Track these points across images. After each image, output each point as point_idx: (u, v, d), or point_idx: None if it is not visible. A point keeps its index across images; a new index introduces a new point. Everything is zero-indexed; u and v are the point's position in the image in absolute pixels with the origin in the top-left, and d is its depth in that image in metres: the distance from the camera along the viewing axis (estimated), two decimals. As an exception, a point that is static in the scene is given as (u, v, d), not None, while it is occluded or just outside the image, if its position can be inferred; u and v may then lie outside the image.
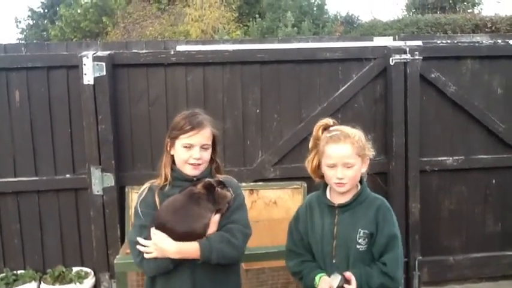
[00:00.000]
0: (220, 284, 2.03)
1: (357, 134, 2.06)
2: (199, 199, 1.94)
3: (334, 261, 2.03)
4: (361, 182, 2.10)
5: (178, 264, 1.94)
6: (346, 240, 2.02)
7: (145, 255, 1.93)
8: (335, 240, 2.03)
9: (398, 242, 2.02)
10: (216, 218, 1.98)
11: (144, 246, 1.93)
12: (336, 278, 1.95)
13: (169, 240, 1.91)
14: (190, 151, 2.01)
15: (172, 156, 2.07)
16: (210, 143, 2.06)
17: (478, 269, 4.10)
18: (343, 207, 2.05)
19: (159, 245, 1.90)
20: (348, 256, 2.01)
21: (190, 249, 1.91)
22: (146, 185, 2.10)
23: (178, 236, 1.91)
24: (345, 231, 2.02)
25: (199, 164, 2.03)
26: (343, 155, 2.00)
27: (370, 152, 2.09)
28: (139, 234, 1.97)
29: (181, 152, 2.02)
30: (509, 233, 4.17)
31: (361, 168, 2.06)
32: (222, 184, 2.01)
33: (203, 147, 2.03)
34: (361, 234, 2.00)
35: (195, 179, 2.04)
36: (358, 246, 2.00)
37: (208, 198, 1.95)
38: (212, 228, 1.97)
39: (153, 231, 1.93)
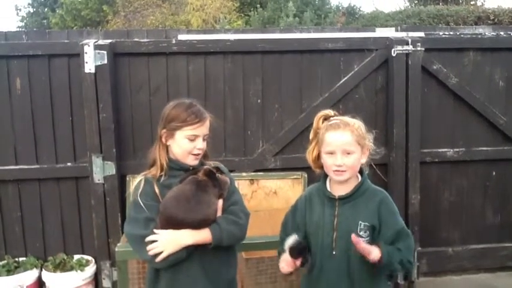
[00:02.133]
0: (225, 264, 2.10)
1: (356, 122, 2.06)
2: (206, 186, 1.98)
3: (334, 252, 2.03)
4: (361, 173, 2.11)
5: (191, 253, 1.97)
6: (347, 232, 2.00)
7: (159, 257, 1.92)
8: (335, 232, 2.03)
9: (408, 232, 2.03)
10: (220, 203, 2.03)
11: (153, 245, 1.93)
12: (290, 239, 1.98)
13: (181, 232, 1.93)
14: (194, 142, 2.04)
15: (166, 146, 2.09)
16: (209, 133, 2.11)
17: (477, 261, 4.13)
18: (343, 199, 2.04)
19: (174, 237, 1.92)
20: (348, 248, 2.00)
21: (203, 235, 1.96)
22: (140, 177, 2.09)
23: (193, 224, 1.94)
24: (345, 223, 2.02)
25: (199, 154, 2.08)
26: (343, 142, 1.99)
27: (370, 144, 2.09)
28: (146, 227, 1.95)
29: (184, 143, 2.04)
30: (508, 225, 4.19)
31: (361, 158, 2.05)
32: (219, 170, 2.08)
33: (204, 138, 2.08)
34: (362, 226, 2.00)
35: (191, 168, 2.07)
36: (359, 239, 2.00)
37: (214, 184, 2.00)
38: (219, 213, 2.03)
39: (158, 232, 1.93)
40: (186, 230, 1.93)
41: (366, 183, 2.08)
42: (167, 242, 1.91)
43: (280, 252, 2.09)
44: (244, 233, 2.09)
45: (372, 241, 2.00)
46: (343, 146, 2.00)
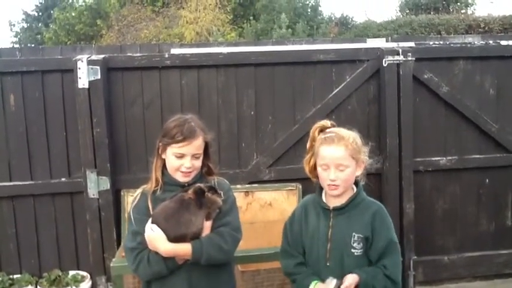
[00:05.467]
0: (214, 283, 2.06)
1: (352, 136, 2.05)
2: (189, 206, 1.96)
3: (328, 264, 2.04)
4: (357, 185, 2.11)
5: (174, 269, 1.97)
6: (340, 244, 2.02)
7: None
8: (329, 243, 2.03)
9: (397, 247, 2.04)
10: (208, 224, 2.00)
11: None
12: (332, 282, 1.95)
13: (164, 240, 1.93)
14: (181, 160, 2.01)
15: (164, 159, 2.08)
16: (201, 151, 2.06)
17: (472, 268, 4.13)
18: (338, 210, 2.05)
19: (153, 243, 1.94)
20: (342, 259, 2.01)
21: (183, 250, 1.94)
22: (139, 190, 2.11)
23: (171, 241, 1.94)
24: (339, 234, 2.03)
25: (190, 172, 2.04)
26: (336, 157, 2.00)
27: (366, 157, 2.09)
28: (133, 240, 1.99)
29: (172, 160, 2.03)
30: (503, 232, 4.20)
31: (356, 171, 2.05)
32: (212, 189, 2.02)
33: (194, 156, 2.03)
34: (356, 238, 2.00)
35: (186, 184, 2.05)
36: (353, 251, 2.00)
37: (198, 204, 1.97)
38: (205, 232, 1.99)
39: (152, 227, 1.94)
40: (169, 243, 1.93)
41: (360, 195, 2.09)
42: (148, 238, 1.95)
43: (290, 271, 2.13)
44: (229, 257, 2.07)
45: (365, 252, 2.01)
46: (336, 160, 2.00)
